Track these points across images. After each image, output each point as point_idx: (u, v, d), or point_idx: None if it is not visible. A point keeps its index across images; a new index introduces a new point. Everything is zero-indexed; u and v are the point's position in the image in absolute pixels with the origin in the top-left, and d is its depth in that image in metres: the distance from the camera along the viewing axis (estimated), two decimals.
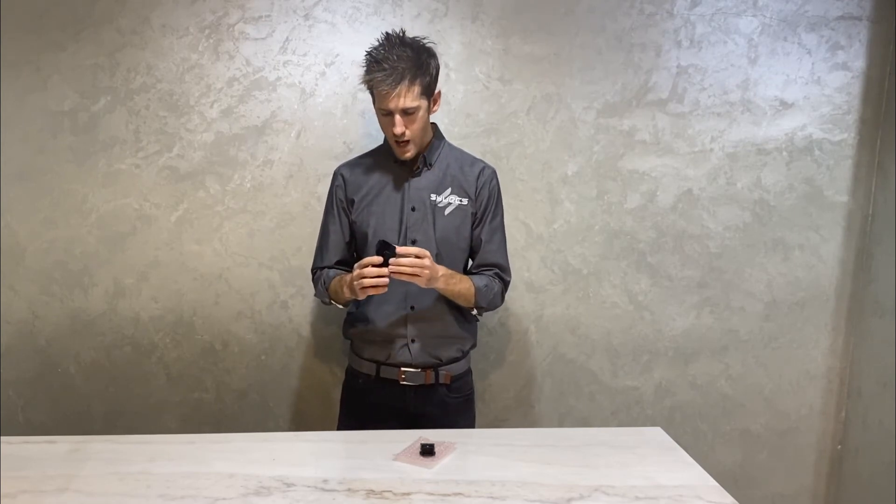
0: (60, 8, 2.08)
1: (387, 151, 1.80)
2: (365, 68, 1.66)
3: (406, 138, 1.67)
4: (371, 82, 1.64)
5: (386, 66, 1.60)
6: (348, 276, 1.71)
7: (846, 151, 2.29)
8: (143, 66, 2.12)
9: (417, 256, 1.60)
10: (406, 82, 1.61)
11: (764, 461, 2.44)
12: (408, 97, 1.62)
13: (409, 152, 1.71)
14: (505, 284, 1.86)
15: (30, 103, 2.12)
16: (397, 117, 1.64)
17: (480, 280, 1.80)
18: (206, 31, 2.12)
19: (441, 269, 1.68)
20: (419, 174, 1.77)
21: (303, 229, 2.19)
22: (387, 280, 1.60)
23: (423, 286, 1.65)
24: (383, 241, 1.60)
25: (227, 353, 2.27)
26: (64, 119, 2.13)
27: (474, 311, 1.84)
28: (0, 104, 2.10)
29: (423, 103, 1.67)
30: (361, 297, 1.66)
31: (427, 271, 1.61)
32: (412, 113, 1.65)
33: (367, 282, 1.59)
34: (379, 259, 1.59)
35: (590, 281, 2.31)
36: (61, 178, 2.16)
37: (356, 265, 1.64)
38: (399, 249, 1.59)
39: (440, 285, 1.69)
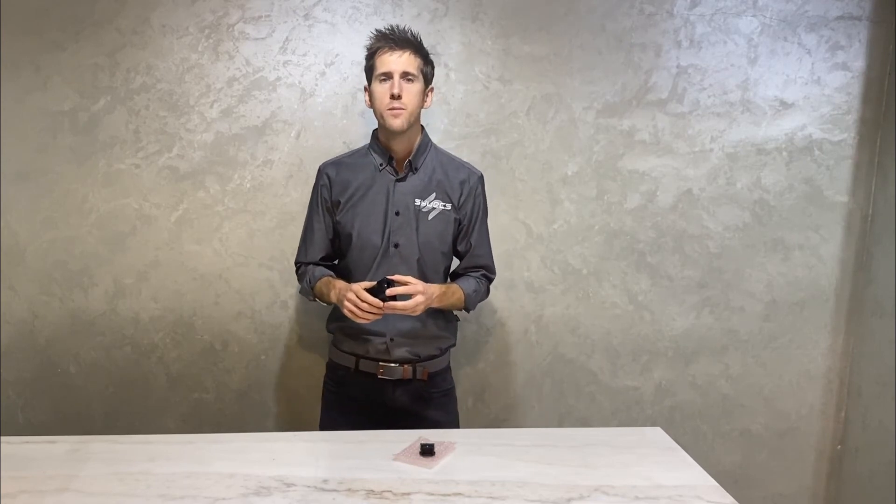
0: (60, 8, 2.08)
1: (373, 153, 1.80)
2: (372, 40, 1.73)
3: (401, 105, 1.68)
4: (376, 46, 1.71)
5: (395, 33, 1.70)
6: (339, 284, 1.72)
7: (846, 151, 2.29)
8: (143, 66, 2.12)
9: (408, 291, 1.63)
10: (410, 50, 1.70)
11: (764, 461, 2.44)
12: (409, 63, 1.68)
13: (400, 119, 1.69)
14: (490, 281, 1.93)
15: (30, 103, 2.12)
16: (396, 78, 1.67)
17: (469, 285, 1.84)
18: (206, 31, 2.12)
19: (436, 292, 1.70)
20: (404, 179, 1.77)
21: None
22: (380, 315, 1.64)
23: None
24: (387, 281, 1.61)
25: (227, 353, 2.27)
26: (64, 119, 2.13)
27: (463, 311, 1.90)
28: (0, 104, 2.10)
29: (421, 81, 1.71)
30: (347, 315, 1.67)
31: (422, 304, 1.64)
32: (410, 81, 1.69)
33: (360, 313, 1.62)
34: (380, 303, 1.60)
35: (590, 281, 2.31)
36: (61, 178, 2.16)
37: (353, 289, 1.64)
38: (389, 291, 1.60)
39: (436, 305, 1.73)
